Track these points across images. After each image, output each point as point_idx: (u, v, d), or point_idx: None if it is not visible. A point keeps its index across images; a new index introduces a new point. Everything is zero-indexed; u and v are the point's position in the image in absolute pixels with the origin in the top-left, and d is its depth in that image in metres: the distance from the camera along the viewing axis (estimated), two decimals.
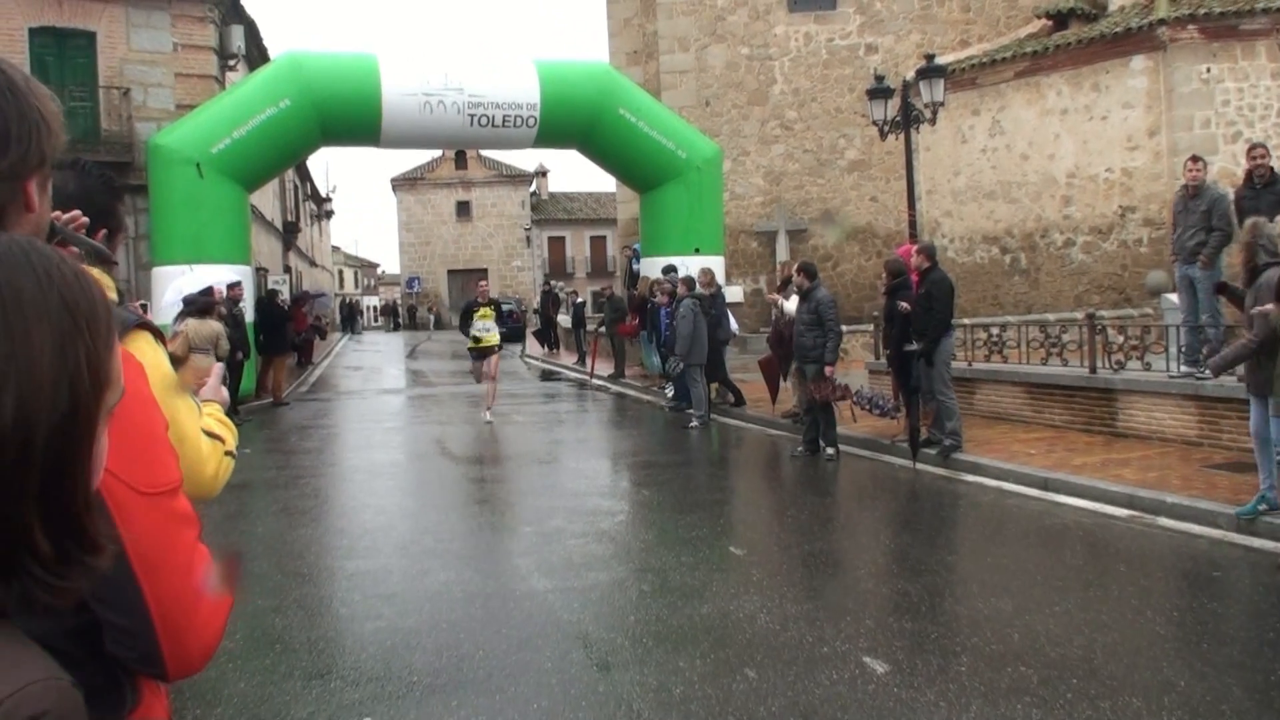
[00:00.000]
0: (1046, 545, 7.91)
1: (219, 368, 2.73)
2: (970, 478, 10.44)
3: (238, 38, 22.50)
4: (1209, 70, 20.51)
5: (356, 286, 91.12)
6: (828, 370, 11.75)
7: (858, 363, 16.98)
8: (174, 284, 17.36)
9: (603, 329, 24.23)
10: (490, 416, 16.14)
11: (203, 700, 4.98)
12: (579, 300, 31.80)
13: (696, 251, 20.61)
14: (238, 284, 17.44)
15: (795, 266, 12.53)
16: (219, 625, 1.55)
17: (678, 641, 5.76)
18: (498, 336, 16.56)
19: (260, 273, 24.45)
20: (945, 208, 25.17)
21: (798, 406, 13.18)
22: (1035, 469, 10.08)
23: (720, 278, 18.95)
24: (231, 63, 22.79)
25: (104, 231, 2.19)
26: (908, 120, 17.18)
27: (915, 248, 12.05)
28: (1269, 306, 7.21)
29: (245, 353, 16.99)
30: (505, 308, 23.79)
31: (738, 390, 16.28)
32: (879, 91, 17.71)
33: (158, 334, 2.18)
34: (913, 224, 17.93)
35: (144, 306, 16.44)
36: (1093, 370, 12.13)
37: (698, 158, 21.43)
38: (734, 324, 17.60)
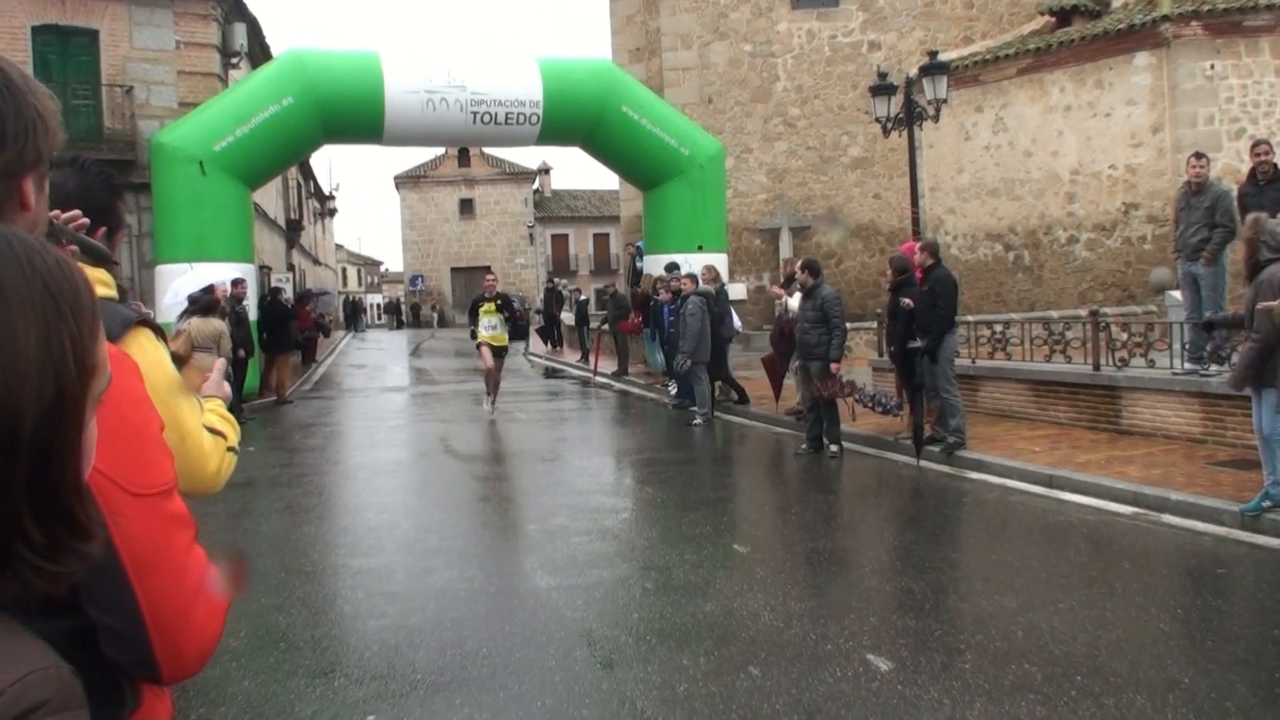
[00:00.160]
0: (1050, 542, 7.90)
1: (221, 362, 2.72)
2: (974, 475, 10.44)
3: (240, 35, 22.51)
4: (1213, 67, 20.49)
5: (360, 284, 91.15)
6: (834, 367, 11.75)
7: (861, 360, 16.96)
8: (175, 283, 17.38)
9: (606, 326, 24.23)
10: (492, 410, 16.06)
11: (207, 699, 4.98)
12: (582, 298, 31.80)
13: (699, 249, 20.61)
14: (241, 282, 17.44)
15: (799, 264, 12.52)
16: (215, 628, 1.53)
17: (681, 639, 5.75)
18: (505, 336, 15.99)
19: (263, 271, 24.46)
20: (948, 205, 25.16)
21: (801, 404, 13.17)
22: (1039, 466, 10.07)
23: (723, 275, 18.93)
24: (234, 60, 22.79)
25: (104, 230, 2.19)
26: (911, 117, 17.16)
27: (918, 245, 12.04)
28: (1273, 303, 7.20)
29: (249, 351, 16.99)
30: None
31: (741, 388, 16.27)
32: (882, 88, 17.68)
33: (158, 330, 2.18)
34: (916, 221, 17.92)
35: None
36: (1096, 367, 12.12)
37: (700, 155, 21.43)
38: (737, 321, 17.58)
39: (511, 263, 64.09)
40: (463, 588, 6.98)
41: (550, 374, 25.71)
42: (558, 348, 33.05)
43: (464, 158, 63.93)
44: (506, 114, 20.17)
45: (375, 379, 26.17)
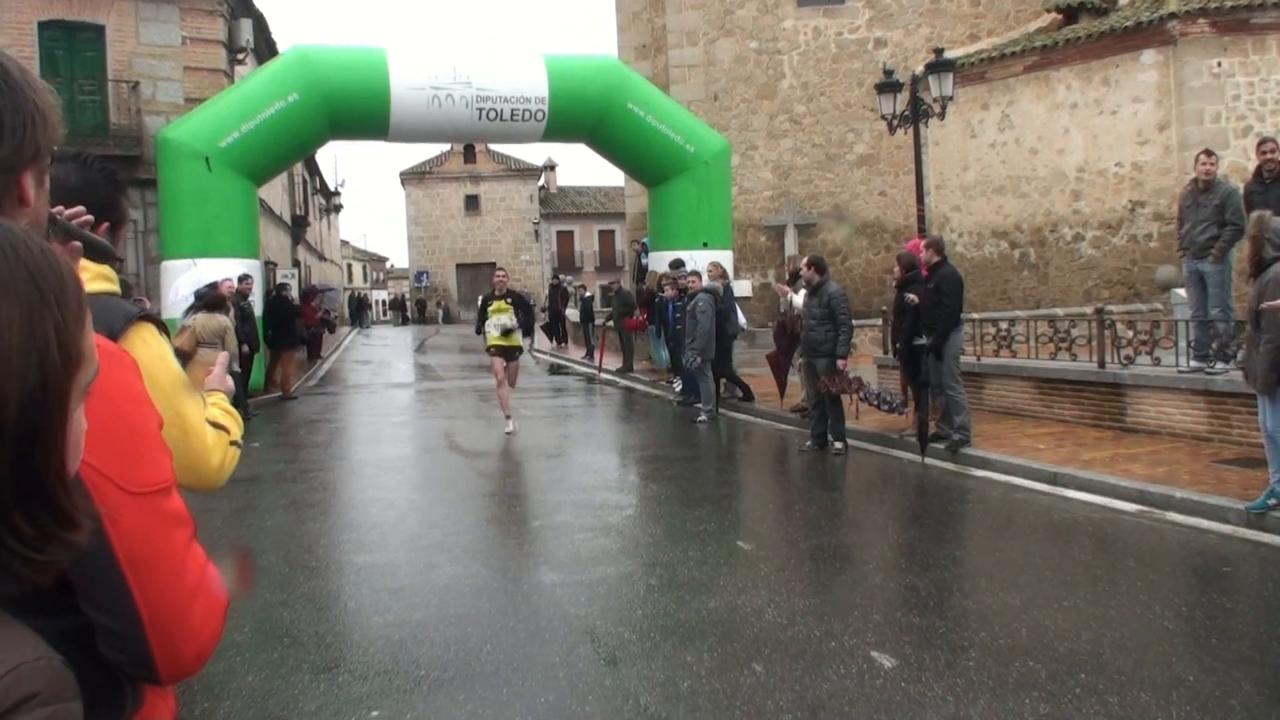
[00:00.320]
0: (1055, 540, 7.89)
1: (224, 356, 2.72)
2: (979, 472, 10.43)
3: (246, 31, 22.52)
4: (1219, 64, 20.44)
5: (365, 280, 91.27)
6: (840, 364, 11.74)
7: (866, 357, 16.95)
8: (179, 279, 17.40)
9: (611, 323, 24.24)
10: (512, 427, 14.07)
11: (211, 694, 4.99)
12: (587, 294, 31.81)
13: (705, 246, 20.62)
14: (247, 277, 17.45)
15: (805, 260, 12.50)
16: (214, 628, 1.51)
17: (685, 636, 5.75)
18: (520, 337, 14.23)
19: (269, 266, 24.47)
20: (954, 202, 25.13)
21: (806, 401, 13.16)
22: (1044, 464, 10.05)
23: (729, 272, 18.91)
24: (240, 56, 22.80)
25: (106, 225, 2.19)
26: (916, 114, 17.15)
27: (924, 242, 12.03)
28: (1278, 303, 7.18)
29: (253, 347, 16.99)
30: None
31: (745, 385, 16.25)
32: (888, 86, 17.67)
33: (161, 325, 2.18)
34: (921, 219, 17.90)
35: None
36: (1102, 365, 12.10)
37: (706, 152, 21.42)
38: (742, 319, 17.56)
39: (517, 259, 64.10)
40: (467, 584, 6.98)
41: (555, 371, 25.71)
42: (563, 344, 33.07)
43: (469, 154, 63.98)
44: (512, 110, 20.18)
45: (380, 375, 26.19)
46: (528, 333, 14.62)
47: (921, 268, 11.55)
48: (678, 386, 17.38)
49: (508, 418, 14.16)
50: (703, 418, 14.87)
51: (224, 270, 16.89)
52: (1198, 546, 7.54)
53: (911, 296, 11.44)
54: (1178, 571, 7.19)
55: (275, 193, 29.61)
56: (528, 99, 20.23)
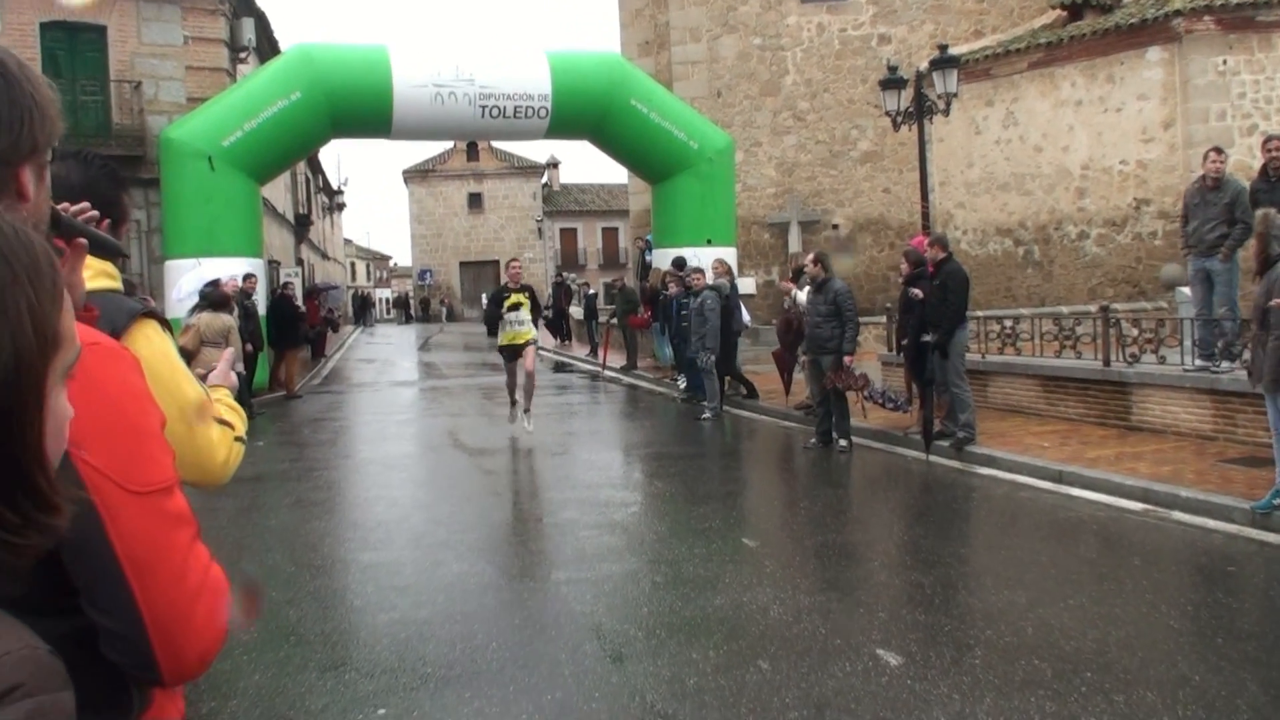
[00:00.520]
0: (1060, 539, 7.89)
1: (230, 352, 2.73)
2: (984, 470, 10.42)
3: (248, 30, 22.51)
4: (1225, 62, 20.39)
5: (368, 279, 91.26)
6: (846, 360, 11.73)
7: (870, 354, 16.93)
8: (183, 279, 17.41)
9: (614, 320, 24.24)
10: (530, 425, 13.38)
11: (218, 693, 4.99)
12: (591, 292, 31.82)
13: (708, 243, 20.61)
14: (251, 276, 17.46)
15: (811, 256, 12.47)
16: (217, 629, 1.49)
17: (691, 633, 5.76)
18: (532, 330, 13.47)
19: (272, 265, 24.47)
20: (958, 199, 25.09)
21: (810, 398, 13.15)
22: (1049, 462, 10.05)
23: (733, 269, 18.89)
24: (242, 55, 22.79)
25: (107, 222, 2.19)
26: (921, 111, 17.12)
27: (928, 239, 12.01)
28: None
29: (257, 345, 16.99)
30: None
31: (750, 382, 16.24)
32: (892, 82, 17.65)
33: (164, 322, 2.17)
34: (925, 215, 17.88)
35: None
36: (1107, 363, 12.08)
37: (710, 149, 21.40)
38: (746, 316, 17.56)
39: (520, 257, 63.92)
40: (472, 581, 6.99)
41: (559, 368, 25.70)
42: (566, 342, 33.07)
43: (472, 152, 63.98)
44: (515, 107, 20.17)
45: (384, 373, 26.20)
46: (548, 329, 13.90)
47: (928, 265, 11.54)
48: (682, 384, 17.38)
49: (527, 411, 13.42)
50: (707, 415, 14.87)
51: (228, 269, 16.91)
52: (1203, 546, 7.53)
53: (916, 291, 11.43)
54: (1183, 571, 7.18)
55: (278, 191, 29.62)
56: (531, 96, 20.22)
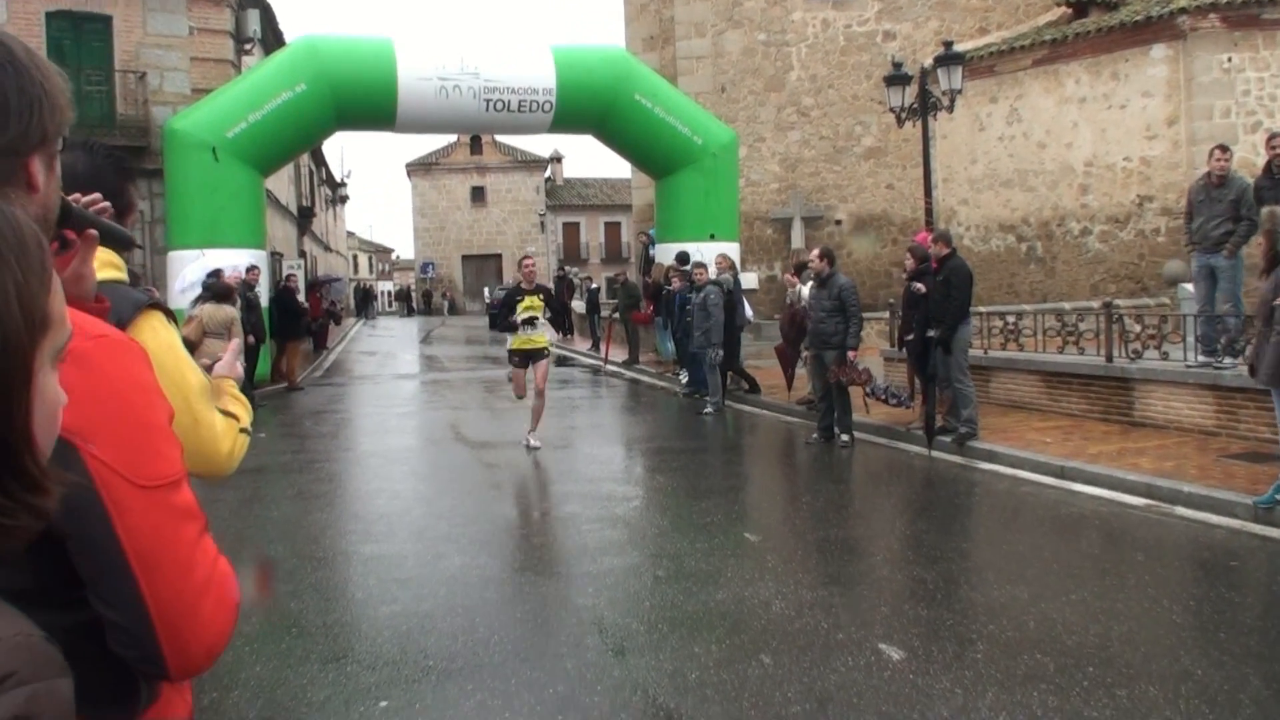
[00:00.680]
0: (1062, 533, 7.88)
1: (236, 343, 2.72)
2: (986, 465, 10.41)
3: (253, 22, 22.50)
4: (1230, 59, 20.37)
5: (371, 272, 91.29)
6: (850, 354, 11.73)
7: (872, 350, 16.93)
8: (186, 270, 17.42)
9: (617, 315, 24.23)
10: (536, 441, 12.05)
11: (219, 684, 4.99)
12: (593, 286, 31.79)
13: (712, 238, 20.60)
14: (254, 268, 17.46)
15: (817, 251, 12.44)
16: (224, 624, 1.48)
17: (693, 627, 5.76)
18: (546, 336, 12.42)
19: (275, 257, 24.47)
20: (962, 196, 25.08)
21: (812, 394, 13.15)
22: (1051, 457, 10.04)
23: (736, 264, 18.88)
24: (247, 47, 22.79)
25: (111, 212, 2.19)
26: (925, 107, 17.12)
27: (931, 236, 11.99)
28: None
29: (260, 337, 16.98)
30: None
31: (752, 378, 16.24)
32: (896, 78, 17.64)
33: (169, 314, 2.17)
34: (929, 212, 17.88)
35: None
36: (1109, 359, 12.08)
37: (714, 144, 21.39)
38: (749, 311, 17.55)
39: (523, 251, 64.02)
40: (474, 574, 6.99)
41: (561, 362, 25.70)
42: (569, 336, 33.07)
43: (475, 145, 63.94)
44: (519, 101, 20.15)
45: (386, 366, 26.21)
46: (558, 329, 11.82)
47: (931, 260, 11.53)
48: (684, 379, 17.37)
49: (532, 432, 12.13)
50: (709, 410, 14.86)
51: (231, 261, 16.92)
52: (1206, 541, 7.53)
53: (919, 286, 11.42)
54: (1186, 566, 7.18)
55: (281, 183, 29.62)
56: (535, 90, 20.20)
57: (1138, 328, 12.16)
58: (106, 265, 2.08)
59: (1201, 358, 11.21)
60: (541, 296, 11.99)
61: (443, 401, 18.10)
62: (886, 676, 4.98)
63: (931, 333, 11.15)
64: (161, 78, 20.74)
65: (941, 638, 5.49)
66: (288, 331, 19.76)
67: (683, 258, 18.42)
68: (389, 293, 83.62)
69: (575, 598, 6.39)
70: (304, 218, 37.14)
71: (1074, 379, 12.59)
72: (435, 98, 19.59)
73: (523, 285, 12.03)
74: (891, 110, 18.06)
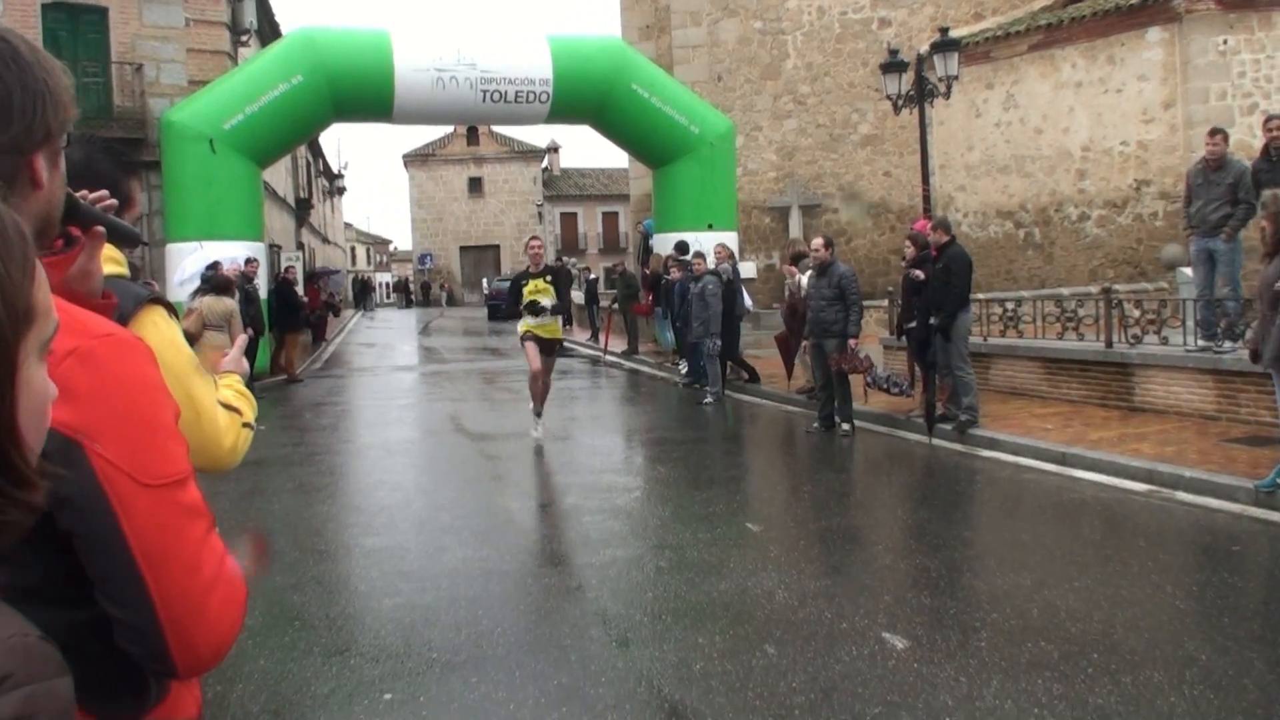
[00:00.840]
0: (1064, 520, 7.89)
1: (242, 339, 2.72)
2: (987, 453, 10.42)
3: (250, 13, 22.46)
4: (1225, 42, 20.32)
5: (369, 263, 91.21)
6: (851, 343, 11.72)
7: (871, 338, 16.91)
8: (184, 262, 17.40)
9: (615, 305, 24.22)
10: (539, 431, 11.99)
11: (223, 677, 4.99)
12: (592, 277, 31.77)
13: (710, 227, 20.56)
14: (252, 260, 17.45)
15: (819, 239, 12.40)
16: (231, 621, 1.48)
17: (696, 618, 5.76)
18: (559, 325, 12.03)
19: (273, 249, 24.45)
20: (959, 182, 25.05)
21: (812, 383, 13.14)
22: (1052, 444, 10.04)
23: (734, 254, 18.85)
24: (244, 38, 22.74)
25: (116, 206, 2.18)
26: (921, 94, 17.09)
27: (930, 223, 11.97)
28: None
29: (258, 329, 16.97)
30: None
31: (751, 367, 16.23)
32: (893, 65, 17.61)
33: (171, 309, 2.16)
34: (927, 199, 17.87)
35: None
36: (1109, 344, 12.07)
37: (710, 133, 21.34)
38: (748, 300, 17.54)
39: (520, 241, 63.88)
40: (476, 566, 6.98)
41: (560, 353, 25.68)
42: (567, 326, 32.99)
43: (473, 136, 63.92)
44: (516, 92, 20.10)
45: (385, 358, 26.19)
46: (562, 314, 11.92)
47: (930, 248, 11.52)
48: (683, 369, 17.36)
49: (535, 412, 12.03)
50: (709, 400, 14.86)
51: (229, 253, 16.91)
52: (1207, 525, 7.54)
53: (917, 273, 11.40)
54: (1188, 551, 7.19)
55: (279, 175, 29.59)
56: (532, 80, 20.15)
57: (1137, 313, 12.16)
58: (108, 260, 2.07)
59: (1201, 342, 11.21)
60: (549, 279, 11.53)
61: (442, 393, 18.09)
62: (891, 665, 4.98)
63: (932, 320, 11.14)
64: (158, 69, 20.69)
65: (945, 626, 5.50)
66: (287, 324, 19.76)
67: (681, 247, 18.40)
68: (387, 284, 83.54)
69: (578, 589, 6.39)
70: (302, 209, 37.11)
71: (1074, 365, 12.59)
72: (432, 89, 19.55)
73: (530, 269, 11.71)
74: (888, 98, 18.04)
